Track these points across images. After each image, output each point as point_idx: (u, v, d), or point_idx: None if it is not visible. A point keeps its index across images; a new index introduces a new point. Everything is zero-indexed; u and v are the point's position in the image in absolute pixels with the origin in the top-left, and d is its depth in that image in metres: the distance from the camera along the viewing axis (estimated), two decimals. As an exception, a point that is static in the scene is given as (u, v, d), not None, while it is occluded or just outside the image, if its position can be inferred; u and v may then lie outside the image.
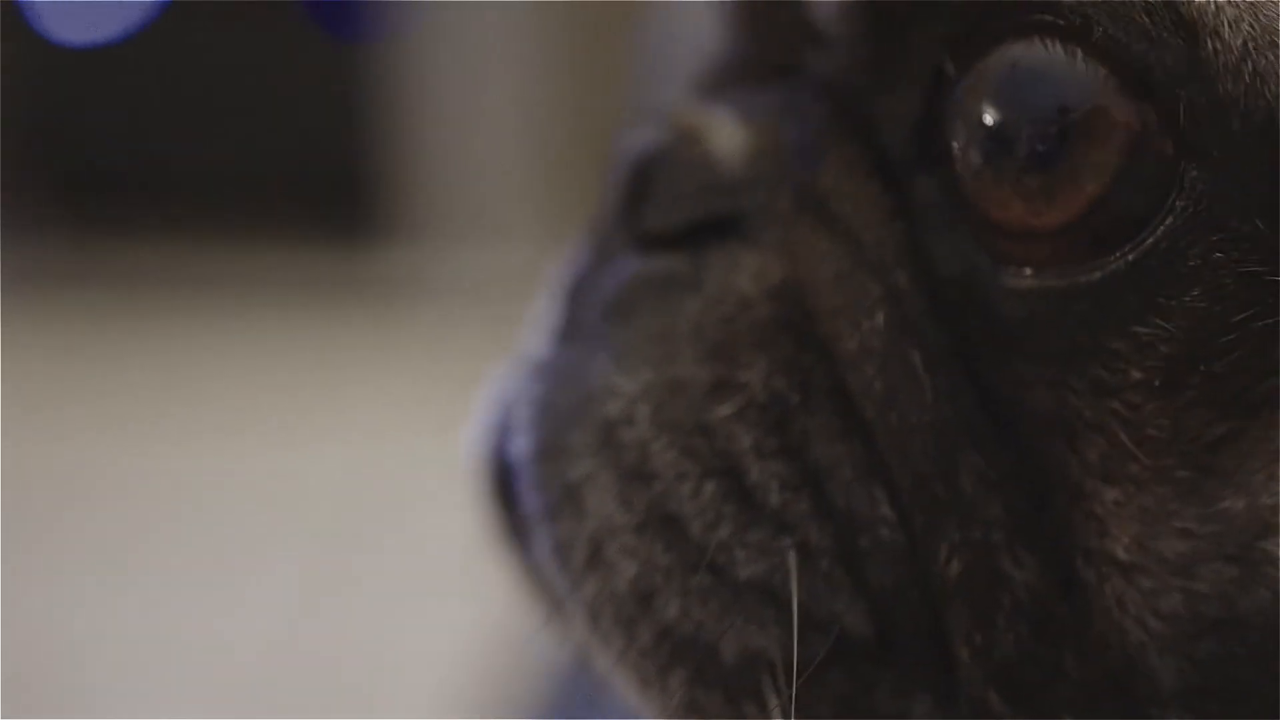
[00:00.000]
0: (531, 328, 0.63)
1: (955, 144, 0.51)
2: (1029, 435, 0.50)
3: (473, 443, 0.62)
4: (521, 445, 0.58)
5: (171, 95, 3.83)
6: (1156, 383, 0.48)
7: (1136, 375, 0.48)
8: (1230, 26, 0.47)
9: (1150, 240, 0.48)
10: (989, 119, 0.50)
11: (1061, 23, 0.48)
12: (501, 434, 0.60)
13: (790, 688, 0.50)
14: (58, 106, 3.78)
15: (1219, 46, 0.47)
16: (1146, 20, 0.47)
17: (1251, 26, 0.47)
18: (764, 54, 0.60)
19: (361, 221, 3.77)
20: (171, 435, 2.83)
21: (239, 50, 3.76)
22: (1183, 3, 0.47)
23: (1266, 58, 0.47)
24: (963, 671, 0.50)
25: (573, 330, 0.59)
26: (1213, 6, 0.47)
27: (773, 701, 0.51)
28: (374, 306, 3.46)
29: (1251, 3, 0.47)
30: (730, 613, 0.52)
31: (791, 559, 0.51)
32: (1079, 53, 0.48)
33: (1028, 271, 0.50)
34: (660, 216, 0.58)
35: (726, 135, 0.58)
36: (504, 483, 0.60)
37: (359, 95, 3.77)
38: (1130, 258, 0.48)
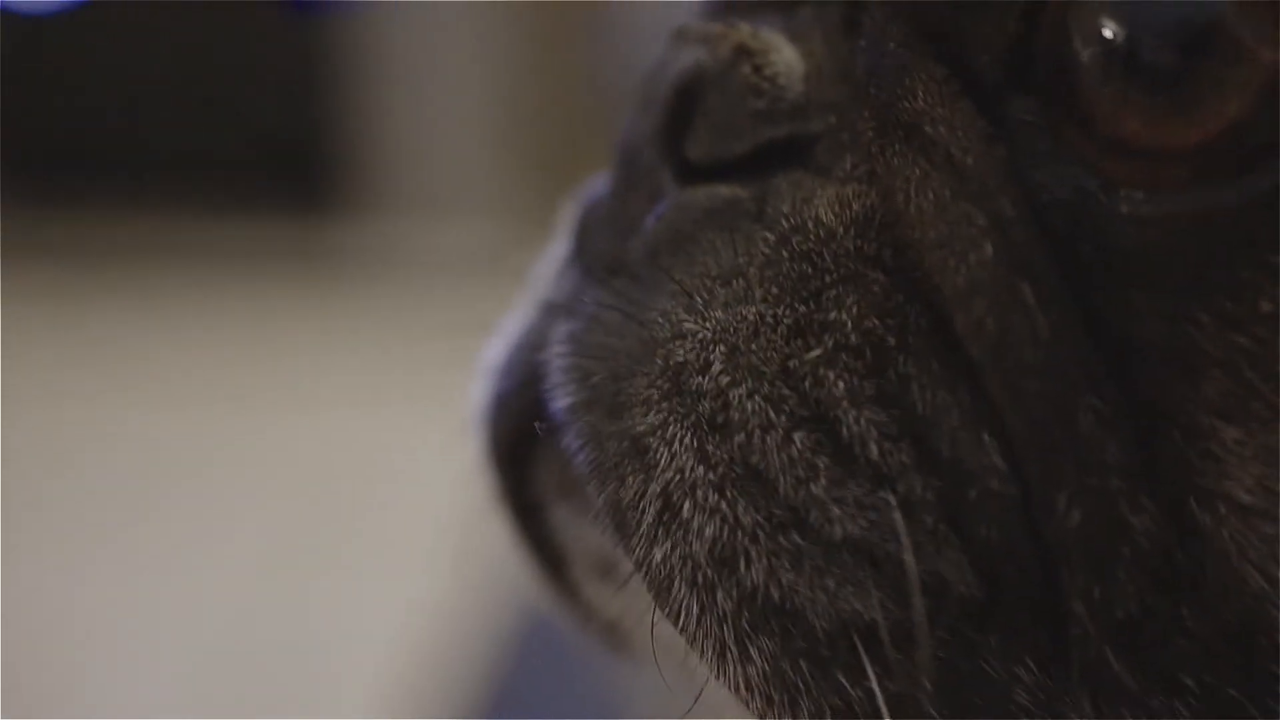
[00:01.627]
0: (542, 264, 0.59)
1: (1070, 60, 0.47)
2: (1143, 371, 0.47)
3: (477, 391, 0.58)
4: (563, 393, 0.53)
5: (131, 68, 3.81)
6: None
7: (1266, 307, 0.45)
8: None
9: None
10: (1115, 32, 0.46)
11: None
12: (515, 381, 0.57)
13: (892, 654, 0.47)
14: (14, 78, 3.74)
15: None
16: None
17: None
18: None
19: (323, 195, 3.76)
20: (132, 407, 2.82)
21: (199, 23, 3.74)
22: None
23: None
24: (1076, 631, 0.47)
25: (602, 266, 0.55)
26: None
27: (869, 670, 0.47)
28: (335, 280, 3.45)
29: None
30: (824, 575, 0.47)
31: (896, 515, 0.47)
32: None
33: (1144, 196, 0.46)
34: (711, 143, 0.53)
35: (784, 54, 0.54)
36: (513, 438, 0.56)
37: (321, 68, 3.76)
38: (1270, 181, 0.45)
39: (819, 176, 0.52)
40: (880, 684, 0.47)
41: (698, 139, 0.53)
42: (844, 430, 0.48)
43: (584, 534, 0.57)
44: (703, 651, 0.49)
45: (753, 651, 0.48)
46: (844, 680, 0.47)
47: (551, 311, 0.56)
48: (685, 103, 0.54)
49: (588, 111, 3.23)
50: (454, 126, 3.66)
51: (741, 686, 0.48)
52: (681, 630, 0.49)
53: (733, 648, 0.48)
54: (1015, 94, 0.49)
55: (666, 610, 0.49)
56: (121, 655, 2.08)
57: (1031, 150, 0.48)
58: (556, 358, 0.54)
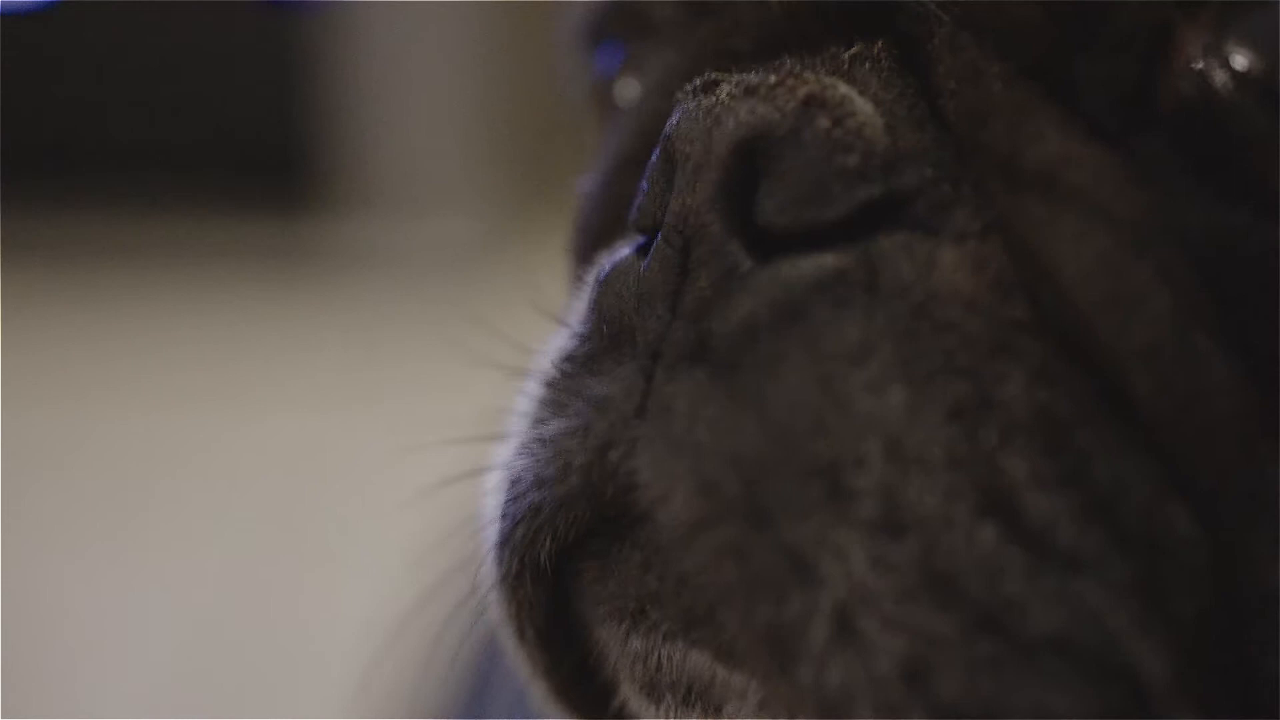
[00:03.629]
0: (547, 348, 0.54)
1: (1207, 97, 0.45)
2: None
3: (494, 503, 0.53)
4: (672, 504, 0.46)
5: (107, 67, 3.79)
6: None
7: None
8: None
9: None
10: (1256, 64, 0.44)
11: None
12: (558, 492, 0.51)
13: None
14: (-9, 74, 3.73)
15: None
16: None
17: None
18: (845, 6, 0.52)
19: (300, 193, 3.74)
20: (108, 405, 2.81)
21: (177, 19, 3.73)
22: None
23: None
24: (1269, 703, 0.44)
25: (671, 353, 0.49)
26: None
27: None
28: (314, 278, 3.44)
29: None
30: (1024, 679, 0.43)
31: (1099, 603, 0.43)
32: None
33: None
34: (795, 209, 0.48)
35: (859, 103, 0.49)
36: (550, 554, 0.51)
37: (300, 67, 3.74)
38: None
39: (929, 236, 0.47)
40: None
41: (775, 205, 0.48)
42: (1030, 518, 0.44)
43: (644, 654, 0.51)
44: None
45: None
46: None
47: (604, 408, 0.50)
48: (748, 164, 0.49)
49: (565, 109, 3.23)
50: (432, 125, 3.65)
51: None
52: None
53: None
54: (1140, 132, 0.46)
55: None
56: (101, 653, 2.07)
57: (1172, 190, 0.46)
58: (648, 464, 0.48)
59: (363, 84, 3.69)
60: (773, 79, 0.49)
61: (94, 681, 2.01)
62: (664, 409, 0.48)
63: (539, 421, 0.53)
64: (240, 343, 3.08)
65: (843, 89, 0.49)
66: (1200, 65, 0.45)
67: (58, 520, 2.42)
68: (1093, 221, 0.46)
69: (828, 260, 0.47)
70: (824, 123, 0.48)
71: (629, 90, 0.64)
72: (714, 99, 0.50)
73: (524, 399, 0.55)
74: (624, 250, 0.53)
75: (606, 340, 0.52)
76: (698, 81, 0.51)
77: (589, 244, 0.61)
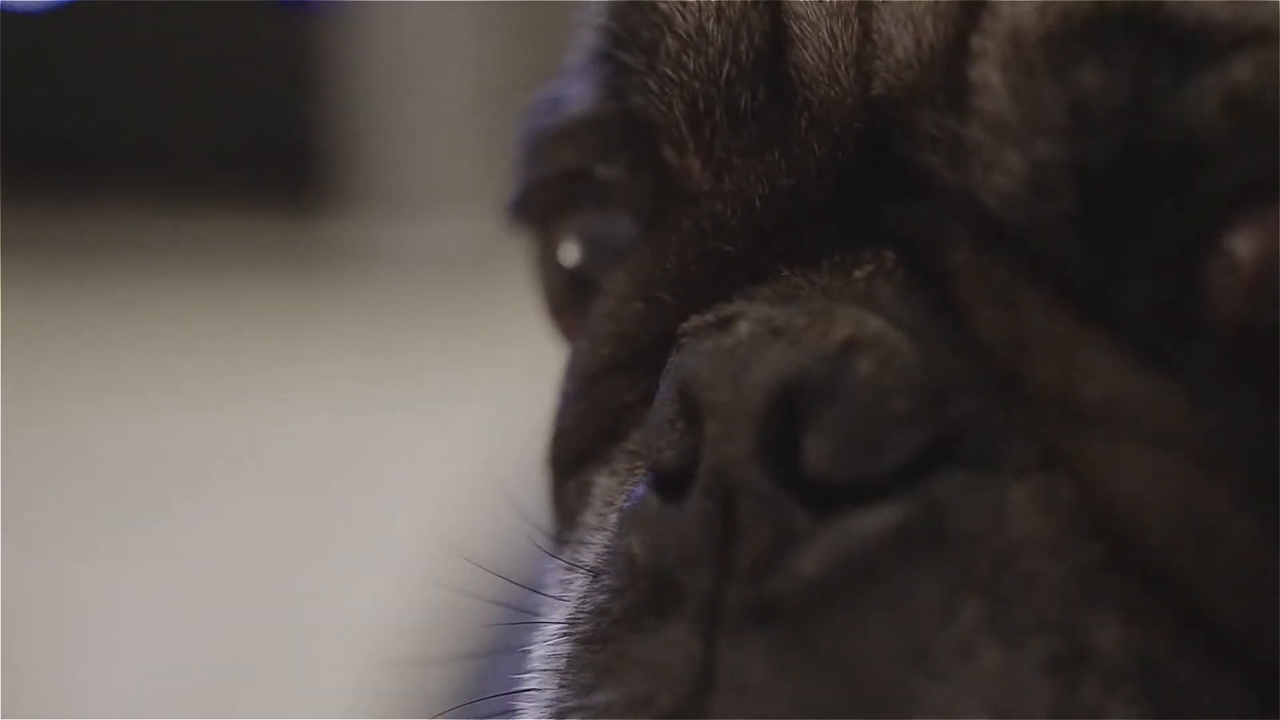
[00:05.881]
0: (574, 596, 0.50)
1: (1259, 304, 0.44)
2: None
3: None
4: None
5: (118, 66, 3.79)
6: None
7: None
8: None
9: None
10: None
11: None
12: None
13: None
14: (2, 74, 3.73)
15: None
16: None
17: None
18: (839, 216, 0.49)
19: (312, 192, 3.74)
20: (114, 402, 2.80)
21: (188, 19, 3.73)
22: None
23: None
24: None
25: (735, 614, 0.46)
26: None
27: None
28: (323, 276, 3.44)
29: None
30: None
31: None
32: None
33: None
34: (848, 460, 0.46)
35: (894, 339, 0.47)
36: None
37: (311, 66, 3.74)
38: None
39: (988, 473, 0.46)
40: None
41: (823, 456, 0.46)
42: None
43: None
44: None
45: None
46: None
47: (662, 676, 0.47)
48: (785, 411, 0.46)
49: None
50: (442, 124, 3.65)
51: None
52: None
53: None
54: (1187, 345, 0.46)
55: None
56: (101, 650, 2.07)
57: (1231, 405, 0.45)
58: None
59: (374, 84, 3.69)
60: (800, 319, 0.47)
61: (89, 678, 2.00)
62: (735, 679, 0.46)
63: (586, 688, 0.50)
64: (249, 343, 3.08)
65: (875, 325, 0.47)
66: (1252, 272, 0.45)
67: (59, 518, 2.42)
68: (1159, 454, 0.44)
69: (892, 513, 0.45)
70: (866, 368, 0.46)
71: (571, 256, 0.62)
72: (734, 339, 0.47)
73: (551, 654, 0.52)
74: (639, 489, 0.50)
75: (645, 595, 0.49)
76: (710, 316, 0.49)
77: (572, 456, 0.58)
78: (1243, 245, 0.45)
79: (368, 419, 2.62)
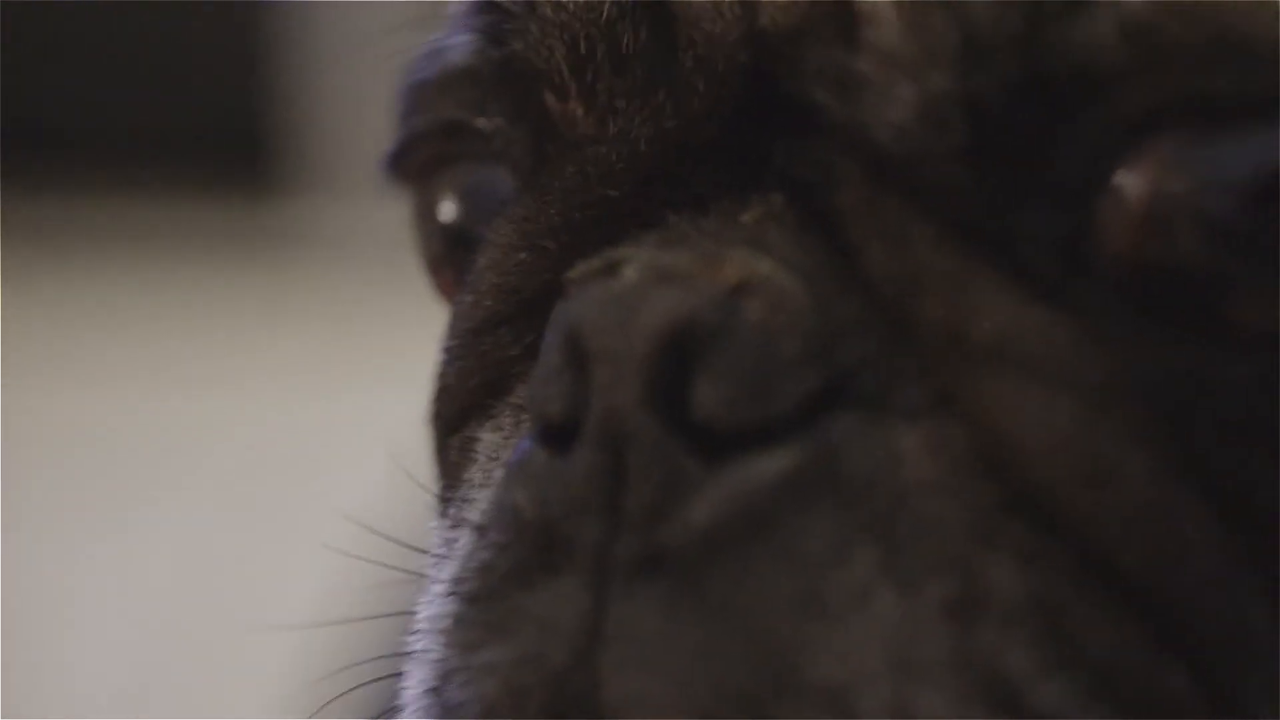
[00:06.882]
0: (459, 554, 0.49)
1: (1155, 239, 0.43)
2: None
3: None
4: None
5: (72, 48, 3.78)
6: None
7: None
8: None
9: None
10: (1210, 215, 0.43)
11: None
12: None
13: None
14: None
15: None
16: None
17: None
18: (729, 147, 0.48)
19: (266, 176, 3.74)
20: (69, 385, 2.80)
21: (139, 6, 3.71)
22: None
23: None
24: None
25: (625, 565, 0.45)
26: None
27: None
28: (277, 259, 3.44)
29: None
30: None
31: None
32: None
33: (1269, 357, 0.42)
34: (737, 405, 0.45)
35: (785, 280, 0.46)
36: None
37: (264, 51, 3.74)
38: None
39: (882, 417, 0.45)
40: None
41: (713, 401, 0.45)
42: (1037, 709, 0.43)
43: None
44: None
45: None
46: None
47: (552, 631, 0.46)
48: (675, 356, 0.45)
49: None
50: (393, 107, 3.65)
51: None
52: None
53: None
54: (1083, 280, 0.45)
55: None
56: (71, 639, 2.07)
57: (1127, 341, 0.44)
58: (621, 695, 0.45)
59: (327, 68, 3.68)
60: (689, 262, 0.46)
61: (62, 667, 2.00)
62: (626, 632, 0.45)
63: (473, 645, 0.49)
64: (203, 324, 3.08)
65: (765, 267, 0.46)
66: (1145, 209, 0.44)
67: (24, 502, 2.41)
68: (1053, 392, 0.44)
69: (784, 458, 0.44)
70: (756, 311, 0.45)
71: (449, 212, 0.60)
72: (621, 283, 0.46)
73: (437, 613, 0.50)
74: (525, 442, 0.49)
75: (532, 550, 0.47)
76: (596, 263, 0.47)
77: (456, 413, 0.58)
78: (1132, 180, 0.44)
79: (325, 401, 2.62)
